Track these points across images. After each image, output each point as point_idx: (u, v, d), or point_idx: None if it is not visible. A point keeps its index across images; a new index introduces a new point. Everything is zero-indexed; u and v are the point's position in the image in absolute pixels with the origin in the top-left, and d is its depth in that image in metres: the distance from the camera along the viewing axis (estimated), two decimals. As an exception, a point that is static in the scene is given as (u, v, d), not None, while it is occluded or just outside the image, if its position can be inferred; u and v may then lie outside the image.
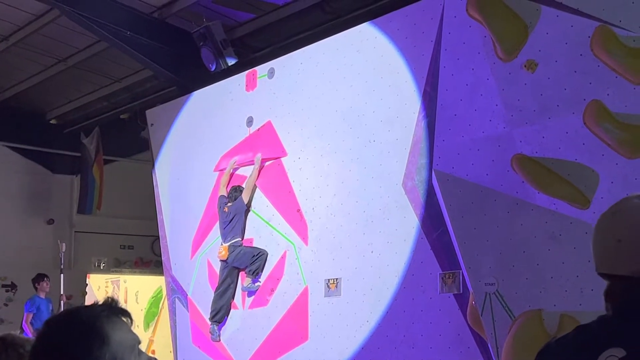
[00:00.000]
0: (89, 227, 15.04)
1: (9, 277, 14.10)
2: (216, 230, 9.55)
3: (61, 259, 11.20)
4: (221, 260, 9.12)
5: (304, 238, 8.42)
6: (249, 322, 8.99)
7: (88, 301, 12.57)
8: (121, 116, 13.52)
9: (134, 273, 14.53)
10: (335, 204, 8.11)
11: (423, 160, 7.19)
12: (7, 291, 14.14)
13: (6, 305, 13.96)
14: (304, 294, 8.32)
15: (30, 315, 11.43)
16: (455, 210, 6.57)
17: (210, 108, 10.03)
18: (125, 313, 1.86)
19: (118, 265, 15.21)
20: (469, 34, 6.67)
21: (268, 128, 9.05)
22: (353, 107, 8.02)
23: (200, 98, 10.27)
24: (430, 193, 7.04)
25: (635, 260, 1.92)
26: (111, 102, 13.50)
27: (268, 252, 8.83)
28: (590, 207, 5.77)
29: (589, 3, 5.90)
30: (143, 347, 1.92)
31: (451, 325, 6.86)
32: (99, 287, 13.49)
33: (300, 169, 8.59)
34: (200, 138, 10.13)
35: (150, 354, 1.93)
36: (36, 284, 11.65)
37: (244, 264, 8.88)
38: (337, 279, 7.98)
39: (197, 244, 9.93)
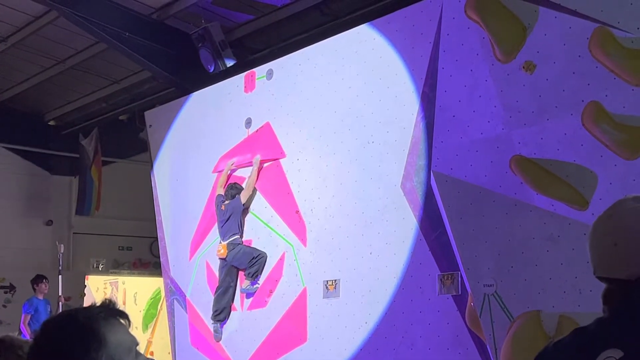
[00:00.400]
0: (87, 229, 15.04)
1: (8, 279, 14.10)
2: (215, 232, 9.55)
3: (59, 260, 11.20)
4: (220, 259, 9.11)
5: (303, 239, 8.41)
6: (248, 323, 8.98)
7: (86, 302, 12.57)
8: (120, 117, 13.53)
9: (133, 274, 14.53)
10: (334, 205, 8.11)
11: (422, 162, 7.20)
12: (5, 292, 14.14)
13: (5, 306, 13.96)
14: (303, 295, 8.32)
15: (28, 317, 11.42)
16: (453, 211, 6.57)
17: (208, 109, 10.03)
18: (123, 315, 1.86)
19: (116, 266, 15.22)
20: (468, 35, 6.67)
21: (267, 129, 9.05)
22: (352, 109, 8.02)
23: (199, 99, 10.27)
24: (428, 194, 7.04)
25: (632, 264, 1.92)
26: (110, 104, 13.50)
27: (267, 253, 8.82)
28: (588, 208, 5.77)
29: (587, 4, 5.91)
30: (141, 348, 1.92)
31: (450, 327, 6.86)
32: (98, 288, 13.48)
33: (299, 170, 8.59)
34: (198, 139, 10.13)
35: (149, 356, 1.93)
36: (35, 285, 11.65)
37: (243, 264, 8.88)
38: (335, 280, 7.98)
39: (195, 246, 9.93)
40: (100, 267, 14.95)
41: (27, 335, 10.52)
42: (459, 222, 6.52)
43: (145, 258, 15.43)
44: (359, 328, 7.63)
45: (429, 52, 7.19)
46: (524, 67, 6.25)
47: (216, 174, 9.67)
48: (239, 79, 9.59)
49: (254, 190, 9.07)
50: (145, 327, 12.91)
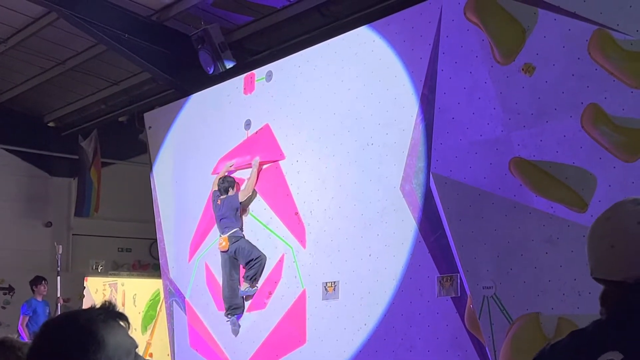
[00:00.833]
0: (86, 230, 15.02)
1: (7, 280, 14.08)
2: (214, 233, 9.55)
3: (58, 261, 11.19)
4: (222, 252, 9.08)
5: (302, 241, 8.41)
6: (247, 325, 8.98)
7: (86, 304, 12.57)
8: (119, 119, 13.51)
9: (132, 276, 14.54)
10: (333, 207, 8.10)
11: (421, 164, 7.20)
12: (4, 294, 14.11)
13: (3, 308, 13.94)
14: (302, 297, 8.31)
15: (27, 318, 11.41)
16: (453, 213, 6.57)
17: (208, 111, 10.03)
18: (123, 317, 1.86)
19: (116, 268, 15.21)
20: (467, 37, 6.68)
21: (266, 131, 9.05)
22: (351, 110, 8.02)
23: (198, 101, 10.27)
24: (428, 196, 7.04)
25: (630, 266, 1.92)
26: (109, 105, 13.49)
27: (266, 255, 8.82)
28: (587, 210, 5.78)
29: (587, 6, 5.91)
30: (140, 350, 1.92)
31: (449, 329, 6.86)
32: (97, 289, 13.50)
33: (298, 172, 8.59)
34: (198, 141, 10.13)
35: (148, 357, 1.93)
36: (33, 287, 11.63)
37: (243, 258, 8.87)
38: (334, 282, 7.98)
39: (195, 247, 9.93)
40: (100, 268, 14.95)
41: (25, 337, 10.51)
42: (458, 224, 6.52)
43: (145, 260, 15.42)
44: (358, 330, 7.63)
45: (429, 54, 7.20)
46: (523, 69, 6.26)
47: (215, 176, 9.67)
48: (239, 80, 9.60)
49: (254, 192, 9.06)
50: (144, 328, 12.92)
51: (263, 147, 9.03)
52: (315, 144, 8.40)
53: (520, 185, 6.21)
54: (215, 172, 9.67)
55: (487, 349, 6.32)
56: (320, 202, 8.25)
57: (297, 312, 8.34)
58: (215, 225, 9.44)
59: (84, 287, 13.60)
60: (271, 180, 8.92)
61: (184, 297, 10.00)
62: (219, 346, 9.31)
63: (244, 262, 8.87)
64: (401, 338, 7.24)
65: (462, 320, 6.73)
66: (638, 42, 5.66)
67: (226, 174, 9.34)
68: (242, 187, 9.11)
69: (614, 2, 5.83)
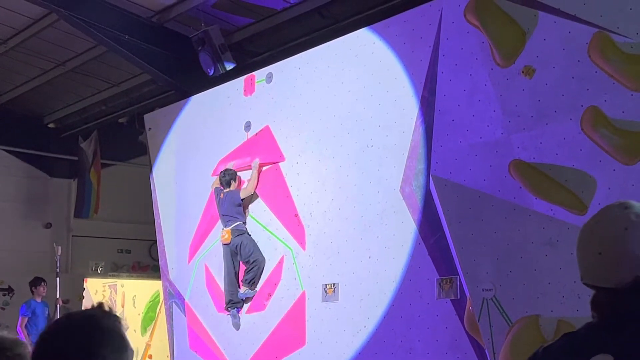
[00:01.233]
0: (86, 231, 15.03)
1: (6, 281, 14.08)
2: (214, 235, 9.55)
3: (57, 262, 11.19)
4: (224, 244, 9.07)
5: (302, 243, 8.41)
6: (246, 326, 8.98)
7: (85, 305, 12.56)
8: (119, 120, 13.52)
9: (132, 277, 14.54)
10: (333, 209, 8.10)
11: (421, 166, 7.20)
12: (4, 295, 14.12)
13: (3, 309, 13.94)
14: (302, 299, 8.31)
15: (26, 319, 11.40)
16: (452, 215, 6.57)
17: (208, 112, 10.03)
18: (121, 320, 1.89)
19: (115, 269, 15.21)
20: (467, 39, 6.68)
21: (266, 133, 9.05)
22: (351, 112, 8.02)
23: (198, 102, 10.27)
24: (427, 198, 7.04)
25: (618, 272, 1.91)
26: (109, 106, 13.50)
27: (266, 256, 8.82)
28: (587, 213, 5.77)
29: (587, 9, 5.91)
30: (140, 351, 1.95)
31: (448, 331, 6.85)
32: (96, 291, 13.50)
33: (298, 173, 8.59)
34: (198, 142, 10.13)
35: (147, 359, 1.96)
36: (33, 288, 11.63)
37: (243, 258, 8.87)
38: (334, 284, 7.98)
39: (194, 249, 9.92)
40: (99, 269, 14.95)
41: (24, 338, 10.50)
42: (457, 226, 6.52)
43: (144, 261, 15.43)
44: (357, 332, 7.63)
45: (429, 56, 7.20)
46: (523, 72, 6.26)
47: (215, 177, 9.67)
48: (239, 82, 9.60)
49: (254, 195, 9.06)
50: (143, 330, 12.91)
51: (263, 148, 9.03)
52: (315, 145, 8.41)
53: (520, 187, 6.21)
54: (215, 173, 9.67)
55: (486, 351, 6.31)
56: (320, 203, 8.25)
57: (296, 314, 8.33)
58: (215, 227, 9.44)
59: (84, 289, 13.59)
60: (271, 181, 8.92)
61: (184, 299, 10.00)
62: (219, 348, 9.31)
63: (244, 260, 8.88)
64: (400, 340, 7.24)
65: (462, 322, 6.73)
66: (638, 45, 5.66)
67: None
68: (244, 186, 9.11)
69: (614, 5, 5.83)
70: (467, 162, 6.54)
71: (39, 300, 11.60)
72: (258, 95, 9.26)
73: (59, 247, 11.24)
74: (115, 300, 13.02)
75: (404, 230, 7.31)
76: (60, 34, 11.19)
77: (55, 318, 8.22)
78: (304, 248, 8.38)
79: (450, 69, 6.80)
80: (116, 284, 13.59)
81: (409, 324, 7.18)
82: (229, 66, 9.94)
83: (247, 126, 9.32)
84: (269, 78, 9.13)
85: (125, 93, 12.94)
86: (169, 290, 10.35)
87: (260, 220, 9.00)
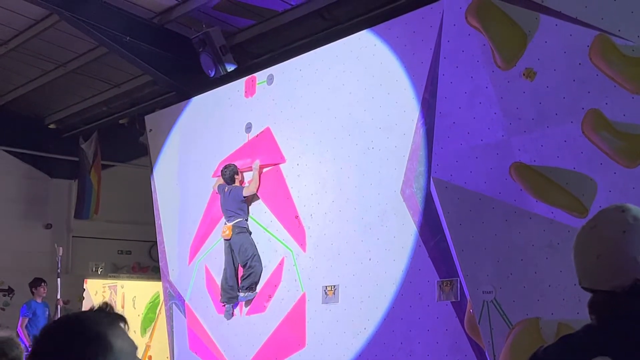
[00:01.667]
0: (86, 232, 15.02)
1: (7, 282, 14.08)
2: (214, 236, 9.55)
3: (58, 263, 11.18)
4: (225, 240, 9.07)
5: (302, 245, 8.41)
6: (246, 328, 8.97)
7: (85, 306, 12.56)
8: (120, 121, 13.52)
9: (132, 278, 14.52)
10: (334, 211, 8.11)
11: (421, 168, 7.20)
12: (4, 295, 14.12)
13: (3, 309, 13.94)
14: (302, 300, 8.31)
15: (26, 320, 11.39)
16: (453, 217, 6.57)
17: (209, 114, 10.04)
18: (123, 319, 1.86)
19: (115, 270, 15.20)
20: (468, 42, 6.68)
21: (267, 134, 9.05)
22: (352, 114, 8.02)
23: (199, 104, 10.27)
24: (428, 200, 7.04)
25: (616, 275, 1.91)
26: (110, 107, 13.50)
27: (266, 258, 8.82)
28: (588, 216, 5.75)
29: (588, 12, 5.91)
30: (140, 352, 1.92)
31: (448, 333, 6.85)
32: (96, 292, 13.48)
33: (299, 175, 8.59)
34: (198, 144, 10.13)
35: (147, 360, 1.93)
36: (33, 289, 11.62)
37: (240, 260, 8.88)
38: (334, 285, 7.98)
39: (195, 250, 9.92)
40: (99, 270, 14.95)
41: (24, 339, 10.51)
42: (458, 229, 6.52)
43: (145, 262, 15.42)
44: (357, 334, 7.63)
45: (430, 58, 7.20)
46: (524, 74, 6.26)
47: (216, 179, 9.67)
48: (240, 83, 9.60)
49: (255, 194, 9.07)
50: (143, 331, 12.90)
51: (264, 150, 9.04)
52: (316, 147, 8.41)
53: (521, 190, 6.21)
54: (215, 174, 9.68)
55: (486, 353, 6.31)
56: (321, 205, 8.25)
57: (296, 315, 8.33)
58: (215, 229, 9.45)
59: (84, 290, 13.58)
60: (272, 183, 8.92)
61: (184, 300, 10.00)
62: (219, 349, 9.31)
63: (242, 263, 8.89)
64: (401, 342, 7.24)
65: (462, 324, 6.73)
66: (639, 48, 5.66)
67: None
68: (246, 185, 9.10)
69: (615, 8, 5.83)
70: (468, 164, 6.54)
71: (39, 300, 11.59)
72: (259, 96, 9.27)
73: (60, 248, 11.23)
74: (115, 301, 13.00)
75: (404, 232, 7.31)
76: (61, 35, 11.19)
77: (56, 319, 8.22)
78: (304, 250, 8.38)
79: (451, 71, 6.80)
80: (116, 285, 13.58)
81: (409, 326, 7.18)
82: (230, 68, 9.94)
83: (248, 128, 9.32)
84: (270, 80, 9.13)
85: (126, 94, 12.94)
86: (169, 291, 10.35)
87: (261, 222, 9.00)
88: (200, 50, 9.94)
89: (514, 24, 6.35)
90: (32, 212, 14.90)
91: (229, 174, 9.13)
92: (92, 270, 14.84)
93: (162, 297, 11.21)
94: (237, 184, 9.17)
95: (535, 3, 6.21)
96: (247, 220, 9.04)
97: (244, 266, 8.89)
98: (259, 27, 10.30)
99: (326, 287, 8.05)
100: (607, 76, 5.79)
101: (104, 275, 14.64)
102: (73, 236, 15.15)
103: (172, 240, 10.44)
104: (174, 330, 10.17)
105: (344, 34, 8.57)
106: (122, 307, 12.89)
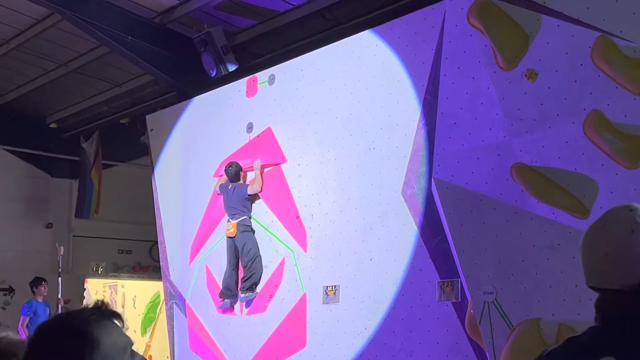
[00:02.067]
0: (87, 232, 15.03)
1: (7, 281, 14.08)
2: (215, 236, 9.55)
3: (59, 262, 11.19)
4: (228, 237, 9.07)
5: (303, 245, 8.41)
6: (247, 328, 8.97)
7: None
8: (121, 121, 13.53)
9: (132, 278, 14.51)
10: (335, 211, 8.10)
11: (423, 168, 7.20)
12: (4, 295, 14.13)
13: (3, 308, 13.95)
14: (302, 300, 8.31)
15: (27, 319, 11.40)
16: (454, 218, 6.56)
17: (210, 114, 10.04)
18: (116, 315, 1.86)
19: (116, 269, 15.20)
20: (470, 42, 6.68)
21: (268, 134, 9.05)
22: (353, 114, 8.02)
23: (201, 104, 10.27)
24: (429, 201, 7.04)
25: (624, 274, 1.92)
26: (111, 107, 13.51)
27: (267, 258, 8.82)
28: (589, 217, 5.77)
29: (590, 13, 5.91)
30: (140, 352, 1.91)
31: (449, 334, 6.85)
32: (97, 291, 13.46)
33: (300, 175, 8.59)
34: (200, 143, 10.13)
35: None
36: (34, 288, 11.63)
37: (242, 260, 8.88)
38: (335, 286, 7.98)
39: (195, 250, 9.92)
40: (100, 270, 14.94)
41: (25, 338, 10.50)
42: (459, 229, 6.52)
43: (145, 262, 15.42)
44: (358, 334, 7.63)
45: (431, 59, 7.20)
46: (526, 75, 6.26)
47: (217, 179, 9.68)
48: (241, 83, 9.60)
49: (256, 194, 9.07)
50: (144, 331, 12.89)
51: (265, 150, 9.04)
52: (317, 147, 8.41)
53: (522, 190, 6.21)
54: (216, 174, 9.68)
55: (487, 354, 6.31)
56: (322, 205, 8.25)
57: (297, 315, 8.33)
58: (216, 228, 9.45)
59: (84, 289, 13.57)
60: (273, 183, 8.92)
61: (185, 300, 10.00)
62: (219, 349, 9.31)
63: (243, 264, 8.90)
64: (401, 343, 7.24)
65: (463, 325, 6.73)
66: (641, 49, 5.66)
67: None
68: (250, 185, 9.08)
69: (617, 9, 5.83)
70: (469, 165, 6.54)
71: (40, 300, 11.59)
72: (260, 96, 9.27)
73: (62, 247, 11.23)
74: (115, 301, 13.00)
75: (405, 232, 7.31)
76: (62, 34, 11.20)
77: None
78: (305, 250, 8.38)
79: (452, 72, 6.80)
80: (116, 285, 13.56)
81: (409, 327, 7.18)
82: (232, 67, 9.95)
83: (249, 128, 9.32)
84: (272, 80, 9.14)
85: (127, 94, 12.95)
86: (169, 291, 10.35)
87: (262, 222, 9.00)
88: (202, 50, 9.94)
89: (515, 24, 6.35)
90: (32, 212, 14.91)
91: (234, 171, 9.12)
92: (93, 269, 14.84)
93: (162, 297, 11.21)
94: (241, 181, 9.17)
95: (537, 4, 6.21)
96: (250, 218, 9.04)
97: (245, 267, 8.89)
98: (261, 27, 10.31)
99: (327, 287, 8.05)
100: (608, 77, 5.79)
101: (104, 275, 14.63)
102: (74, 235, 15.16)
103: (172, 240, 10.44)
104: (175, 329, 10.18)
105: (346, 34, 8.57)
106: (123, 306, 12.89)
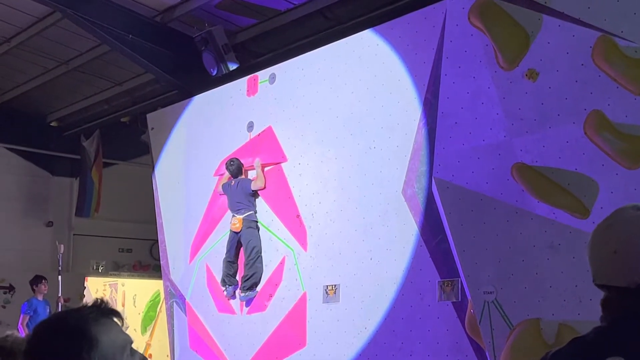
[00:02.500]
0: (87, 230, 15.04)
1: (7, 279, 14.09)
2: (215, 235, 9.56)
3: (59, 261, 11.19)
4: (234, 232, 9.04)
5: (303, 244, 8.41)
6: (247, 327, 8.98)
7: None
8: (122, 119, 13.54)
9: (132, 276, 14.53)
10: (335, 210, 8.10)
11: (423, 168, 7.20)
12: (5, 293, 14.13)
13: (4, 307, 13.96)
14: (302, 299, 8.31)
15: (27, 318, 11.40)
16: (454, 218, 6.56)
17: (211, 112, 10.04)
18: (115, 313, 1.85)
19: (116, 268, 15.22)
20: (471, 42, 6.67)
21: (268, 133, 9.05)
22: (354, 114, 8.02)
23: (201, 102, 10.28)
24: (430, 201, 7.04)
25: (632, 271, 1.92)
26: (112, 105, 13.52)
27: (267, 257, 8.82)
28: (589, 217, 5.77)
29: (591, 13, 5.91)
30: (140, 351, 1.91)
31: (449, 333, 6.85)
32: (97, 290, 13.48)
33: (300, 174, 8.59)
34: (200, 142, 10.13)
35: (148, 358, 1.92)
36: (34, 286, 11.63)
37: (246, 259, 8.89)
38: (335, 285, 7.98)
39: (196, 248, 9.93)
40: (100, 268, 14.95)
41: (25, 337, 10.50)
42: (459, 229, 6.52)
43: (145, 260, 15.43)
44: (358, 333, 7.63)
45: (432, 58, 7.20)
46: (526, 75, 6.25)
47: (217, 177, 9.68)
48: (242, 82, 9.60)
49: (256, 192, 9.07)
50: (144, 329, 12.91)
51: (265, 149, 9.04)
52: (318, 146, 8.41)
53: (522, 190, 6.21)
54: (217, 173, 9.69)
55: (487, 354, 6.31)
56: (322, 205, 8.25)
57: (297, 314, 8.33)
58: (217, 227, 9.45)
59: (85, 287, 13.59)
60: (273, 182, 8.92)
61: (185, 298, 10.00)
62: (219, 348, 9.31)
63: (245, 260, 8.89)
64: (401, 342, 7.24)
65: (463, 325, 6.73)
66: (642, 49, 5.66)
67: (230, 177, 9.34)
68: (253, 179, 9.07)
69: (618, 9, 5.83)
70: (470, 164, 6.54)
71: (40, 298, 11.60)
72: (261, 95, 9.27)
73: (62, 245, 11.24)
74: (115, 299, 13.01)
75: (405, 232, 7.31)
76: (63, 32, 11.20)
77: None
78: (305, 249, 8.38)
79: (453, 72, 6.80)
80: (117, 283, 13.58)
81: (409, 326, 7.18)
82: (232, 66, 9.95)
83: (250, 126, 9.32)
84: (272, 79, 9.14)
85: (128, 92, 12.95)
86: (170, 289, 10.35)
87: (262, 221, 9.00)
88: (203, 48, 9.94)
89: (516, 24, 6.34)
90: (33, 210, 14.92)
91: (236, 166, 9.10)
92: (93, 268, 14.85)
93: (162, 296, 11.22)
94: (243, 176, 9.16)
95: (538, 4, 6.21)
96: (256, 213, 9.02)
97: (246, 264, 8.88)
98: (261, 26, 10.31)
99: (327, 286, 8.05)
100: (609, 77, 5.78)
101: (104, 274, 14.64)
102: (74, 234, 15.17)
103: (173, 238, 10.44)
104: (175, 328, 10.18)
105: (346, 33, 8.57)
106: (123, 305, 12.91)
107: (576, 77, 5.98)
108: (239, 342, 9.04)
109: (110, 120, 13.89)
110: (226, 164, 9.23)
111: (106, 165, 14.42)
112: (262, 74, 9.33)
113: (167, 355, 10.49)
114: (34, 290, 11.64)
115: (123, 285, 13.55)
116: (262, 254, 8.89)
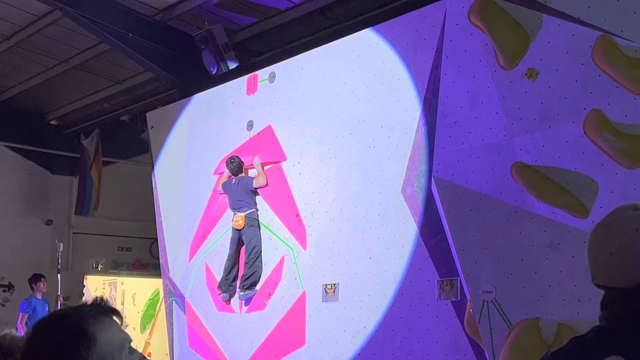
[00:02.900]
0: (87, 229, 15.04)
1: (7, 277, 14.09)
2: (215, 234, 9.55)
3: (59, 258, 11.19)
4: (236, 229, 9.02)
5: (303, 243, 8.41)
6: (246, 326, 8.98)
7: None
8: (121, 118, 13.54)
9: (132, 275, 14.52)
10: (334, 209, 8.10)
11: (423, 167, 7.20)
12: (4, 291, 14.13)
13: (3, 305, 13.95)
14: (302, 298, 8.31)
15: (26, 316, 11.40)
16: (454, 217, 6.56)
17: (210, 111, 10.04)
18: (115, 312, 1.85)
19: (116, 267, 15.21)
20: (471, 41, 6.67)
21: (268, 132, 9.05)
22: (353, 113, 8.02)
23: (201, 101, 10.27)
24: (429, 200, 7.04)
25: (629, 272, 1.93)
26: (111, 104, 13.51)
27: (267, 256, 8.82)
28: (589, 217, 5.77)
29: (591, 13, 5.91)
30: (139, 349, 1.90)
31: (448, 333, 6.85)
32: (96, 288, 13.47)
33: (300, 173, 8.59)
34: (200, 141, 10.13)
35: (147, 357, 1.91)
36: (33, 285, 11.62)
37: (247, 257, 8.89)
38: (334, 284, 7.98)
39: (195, 247, 9.93)
40: (100, 267, 14.95)
41: (24, 335, 10.50)
42: (459, 228, 6.52)
43: (145, 259, 15.43)
44: (357, 332, 7.63)
45: (432, 57, 7.20)
46: (526, 74, 6.25)
47: (217, 176, 9.68)
48: (242, 81, 9.60)
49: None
50: (143, 328, 12.90)
51: (265, 148, 9.04)
52: (317, 145, 8.41)
53: (522, 190, 6.21)
54: (216, 172, 9.68)
55: (486, 353, 6.31)
56: (322, 204, 8.25)
57: (296, 313, 8.34)
58: (216, 226, 9.45)
59: (84, 286, 13.58)
60: (273, 181, 8.92)
61: (184, 297, 10.00)
62: (218, 347, 9.31)
63: (245, 259, 8.90)
64: (400, 341, 7.24)
65: (462, 324, 6.73)
66: (642, 49, 5.66)
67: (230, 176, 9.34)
68: (254, 177, 9.06)
69: (618, 9, 5.83)
70: (469, 164, 6.54)
71: (39, 297, 11.59)
72: (261, 94, 9.27)
73: (61, 244, 11.24)
74: (115, 298, 13.01)
75: (405, 231, 7.31)
76: (63, 31, 11.20)
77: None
78: (304, 248, 8.38)
79: (453, 71, 6.80)
80: (116, 282, 13.57)
81: (409, 325, 7.18)
82: (232, 65, 9.95)
83: (250, 125, 9.32)
84: (272, 77, 9.13)
85: (127, 91, 12.95)
86: (169, 288, 10.35)
87: (262, 220, 9.00)
88: (203, 47, 9.94)
89: (516, 23, 6.34)
90: (32, 208, 14.92)
91: (236, 164, 9.10)
92: (93, 266, 14.85)
93: (162, 294, 11.21)
94: (244, 174, 9.15)
95: (539, 3, 6.20)
96: (257, 210, 9.01)
97: (246, 263, 8.88)
98: (261, 24, 10.31)
99: (326, 285, 8.05)
100: (609, 77, 5.78)
101: (104, 272, 14.64)
102: (73, 232, 15.17)
103: (172, 237, 10.44)
104: (174, 327, 10.18)
105: (346, 32, 8.57)
106: (122, 303, 12.90)
107: (576, 76, 5.98)
108: (238, 340, 9.04)
109: (109, 118, 13.89)
110: (227, 162, 9.23)
111: (106, 163, 14.41)
112: (262, 73, 9.33)
113: (167, 354, 10.49)
114: (33, 288, 11.63)
115: (122, 284, 13.54)
116: (262, 252, 8.89)
